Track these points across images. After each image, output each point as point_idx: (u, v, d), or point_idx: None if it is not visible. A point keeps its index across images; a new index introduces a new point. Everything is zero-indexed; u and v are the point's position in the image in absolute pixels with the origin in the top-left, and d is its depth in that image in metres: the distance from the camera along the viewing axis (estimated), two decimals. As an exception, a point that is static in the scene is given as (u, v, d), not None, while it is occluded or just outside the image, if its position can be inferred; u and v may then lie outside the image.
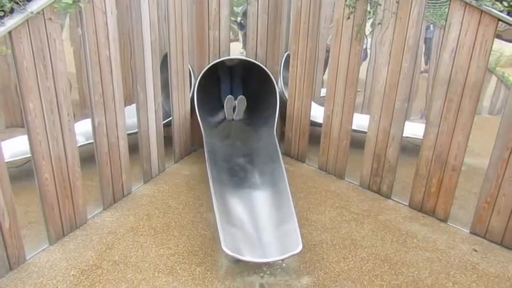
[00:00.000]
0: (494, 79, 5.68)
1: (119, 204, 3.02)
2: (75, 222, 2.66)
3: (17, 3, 2.01)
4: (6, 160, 2.95)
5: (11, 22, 1.97)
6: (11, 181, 2.18)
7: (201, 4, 3.64)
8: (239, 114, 4.07)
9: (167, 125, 3.67)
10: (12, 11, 2.01)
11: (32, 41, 2.12)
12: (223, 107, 4.02)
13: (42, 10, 2.11)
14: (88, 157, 3.19)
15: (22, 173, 3.29)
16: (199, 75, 3.79)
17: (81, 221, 2.71)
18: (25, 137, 2.26)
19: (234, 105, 4.06)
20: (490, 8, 2.38)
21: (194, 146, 4.04)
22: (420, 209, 3.06)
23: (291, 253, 2.24)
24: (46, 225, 2.47)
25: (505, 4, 2.37)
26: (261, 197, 2.88)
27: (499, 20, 2.38)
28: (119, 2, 3.28)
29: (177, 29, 3.37)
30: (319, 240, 2.68)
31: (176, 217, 2.89)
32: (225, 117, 4.06)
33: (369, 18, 3.03)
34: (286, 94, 3.94)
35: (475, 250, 2.62)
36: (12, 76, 4.24)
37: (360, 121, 4.04)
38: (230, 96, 4.04)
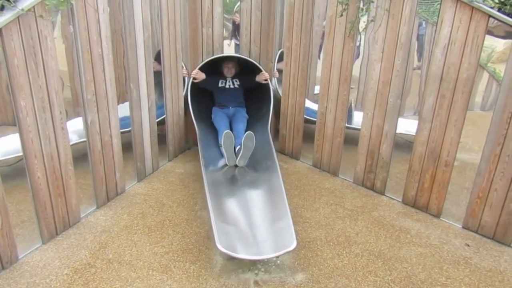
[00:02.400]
0: (486, 75, 5.73)
1: (112, 203, 3.00)
2: (68, 221, 2.64)
3: (8, 0, 1.98)
4: (-2, 159, 2.95)
5: (1, 19, 1.94)
6: (3, 180, 2.16)
7: (194, 1, 3.62)
8: (244, 158, 3.16)
9: (161, 123, 3.65)
10: (2, 8, 1.98)
11: (23, 39, 2.09)
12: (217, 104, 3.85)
13: (33, 7, 2.08)
14: (81, 155, 3.17)
15: (15, 171, 3.27)
16: (192, 72, 3.78)
17: (75, 220, 2.70)
18: (17, 135, 2.23)
19: (235, 146, 3.19)
20: (481, 5, 2.40)
21: (188, 144, 4.04)
22: (414, 205, 3.08)
23: (285, 250, 2.24)
24: (39, 224, 2.45)
25: (496, 0, 2.39)
26: (256, 195, 2.89)
27: (490, 16, 2.40)
28: (112, 0, 3.27)
29: (170, 26, 3.36)
30: (313, 237, 2.69)
31: (170, 215, 2.88)
32: (225, 164, 3.20)
33: (362, 15, 3.04)
34: (280, 92, 3.94)
35: (468, 245, 2.65)
36: (3, 74, 4.20)
37: (354, 118, 4.06)
38: (227, 131, 3.18)
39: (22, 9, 2.01)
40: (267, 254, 2.27)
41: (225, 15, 4.09)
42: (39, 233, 2.47)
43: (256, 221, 2.58)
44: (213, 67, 3.86)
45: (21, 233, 2.58)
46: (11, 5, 1.99)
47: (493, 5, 2.39)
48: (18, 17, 2.02)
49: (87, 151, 2.75)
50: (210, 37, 3.76)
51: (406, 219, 2.93)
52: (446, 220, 2.92)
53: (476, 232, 2.77)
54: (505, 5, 2.39)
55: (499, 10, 2.39)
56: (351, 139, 3.67)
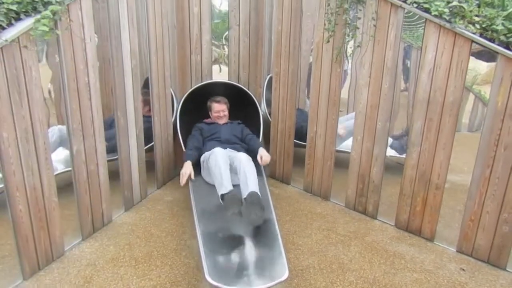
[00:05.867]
0: (471, 96, 5.82)
1: (98, 234, 2.91)
2: (51, 255, 2.54)
3: (-9, 31, 1.97)
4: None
5: (-16, 50, 1.92)
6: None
7: (182, 30, 3.66)
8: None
9: (149, 150, 3.60)
10: (-15, 39, 1.96)
11: (7, 69, 2.06)
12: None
13: (18, 37, 2.07)
14: (65, 185, 3.09)
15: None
16: (181, 99, 3.77)
17: (58, 253, 2.60)
18: (-2, 167, 2.17)
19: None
20: (463, 30, 2.45)
21: (177, 171, 3.97)
22: (406, 229, 3.05)
23: (277, 281, 2.17)
24: (20, 259, 2.34)
25: (477, 26, 2.45)
26: (246, 222, 2.82)
27: (473, 41, 2.45)
28: (101, 29, 3.27)
29: (159, 53, 3.37)
30: (306, 265, 2.62)
31: (159, 246, 2.79)
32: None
33: (348, 41, 3.09)
34: (270, 116, 3.94)
35: (463, 269, 2.60)
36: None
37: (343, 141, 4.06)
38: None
39: (6, 40, 1.99)
40: (259, 285, 2.19)
41: (214, 41, 4.14)
42: (20, 268, 2.36)
43: (246, 250, 2.50)
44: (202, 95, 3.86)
45: (1, 269, 2.47)
46: (-5, 36, 1.97)
47: (475, 30, 2.44)
48: (1, 48, 2.00)
49: (72, 181, 2.68)
50: (198, 63, 3.78)
51: (400, 244, 2.89)
52: (440, 244, 2.89)
53: (471, 255, 2.73)
54: (487, 30, 2.44)
55: (481, 35, 2.44)
56: (341, 163, 3.66)
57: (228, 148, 3.26)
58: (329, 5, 3.05)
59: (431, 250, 2.82)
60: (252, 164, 2.95)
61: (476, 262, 2.68)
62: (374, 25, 2.85)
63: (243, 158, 2.94)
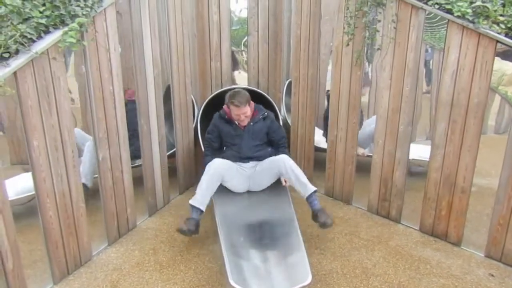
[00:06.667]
0: (498, 98, 5.67)
1: (124, 239, 2.97)
2: (79, 260, 2.61)
3: (22, 44, 2.05)
4: (12, 198, 2.96)
5: (16, 62, 2.00)
6: (16, 219, 2.16)
7: (202, 37, 3.73)
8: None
9: (172, 156, 3.67)
10: (17, 52, 2.05)
11: (37, 80, 2.15)
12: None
13: (47, 50, 2.15)
14: (92, 191, 3.18)
15: (28, 210, 3.28)
16: (202, 105, 3.82)
17: (86, 258, 2.67)
18: (29, 174, 2.25)
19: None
20: (487, 31, 2.40)
21: (198, 176, 4.02)
22: (432, 233, 2.99)
23: (300, 285, 2.17)
24: (50, 264, 2.42)
25: (502, 26, 2.39)
26: (268, 226, 2.83)
27: (498, 41, 2.40)
28: (123, 39, 3.37)
29: (180, 62, 3.43)
30: (329, 269, 2.61)
31: (182, 251, 2.83)
32: None
33: (368, 44, 3.07)
34: (289, 121, 3.95)
35: (492, 275, 2.53)
36: (18, 114, 4.29)
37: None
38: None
39: (36, 52, 2.08)
40: (282, 290, 2.20)
41: (233, 47, 4.19)
42: (51, 273, 2.44)
43: (269, 254, 2.51)
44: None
45: (32, 274, 2.55)
46: (26, 48, 2.06)
47: (500, 30, 2.39)
48: (32, 60, 2.08)
49: (99, 187, 2.76)
50: (218, 70, 3.83)
51: (425, 248, 2.83)
52: (467, 249, 2.81)
53: (500, 261, 2.65)
54: (512, 29, 2.39)
55: (507, 35, 2.38)
56: (363, 167, 3.62)
57: (250, 162, 3.18)
58: (348, 8, 3.04)
59: (458, 255, 2.75)
60: (292, 162, 3.04)
61: (505, 267, 2.60)
62: (395, 28, 2.83)
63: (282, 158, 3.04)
